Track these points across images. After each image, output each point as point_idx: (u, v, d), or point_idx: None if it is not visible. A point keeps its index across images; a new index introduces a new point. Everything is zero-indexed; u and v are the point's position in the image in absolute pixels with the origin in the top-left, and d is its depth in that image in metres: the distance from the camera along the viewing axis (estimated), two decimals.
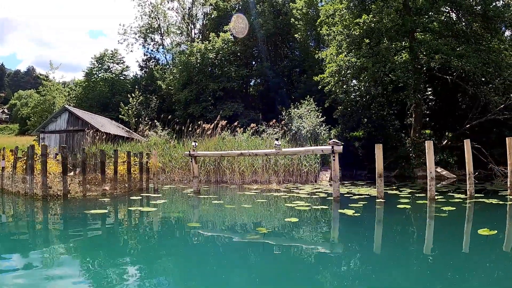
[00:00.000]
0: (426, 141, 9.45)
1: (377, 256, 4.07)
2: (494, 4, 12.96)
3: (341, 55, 15.14)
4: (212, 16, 30.14)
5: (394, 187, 12.01)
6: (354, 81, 16.65)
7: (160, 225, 5.56)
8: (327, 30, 15.67)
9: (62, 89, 29.79)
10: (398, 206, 7.64)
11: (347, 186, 12.72)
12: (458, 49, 13.85)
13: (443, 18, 14.13)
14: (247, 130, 18.16)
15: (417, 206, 7.85)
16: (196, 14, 31.61)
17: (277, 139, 9.43)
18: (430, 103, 17.93)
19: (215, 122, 17.39)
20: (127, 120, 24.80)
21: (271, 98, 27.36)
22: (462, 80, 15.21)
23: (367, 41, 13.85)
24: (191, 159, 10.67)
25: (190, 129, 17.51)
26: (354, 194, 9.91)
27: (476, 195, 9.16)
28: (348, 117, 18.77)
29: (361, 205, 7.69)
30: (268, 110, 26.88)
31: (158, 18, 31.11)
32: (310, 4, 23.67)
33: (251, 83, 28.19)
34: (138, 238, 4.71)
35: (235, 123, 17.86)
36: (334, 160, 8.79)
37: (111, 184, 10.31)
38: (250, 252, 4.06)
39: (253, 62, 28.48)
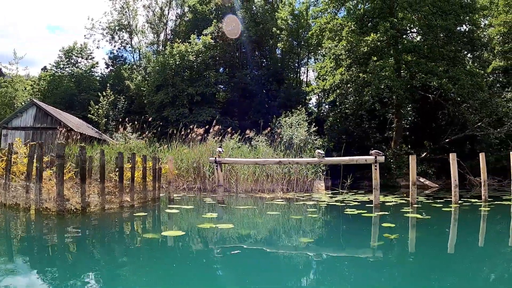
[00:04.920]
0: (450, 154, 10.13)
1: None
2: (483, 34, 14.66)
3: (340, 68, 15.65)
4: (186, 18, 29.12)
5: (404, 195, 12.70)
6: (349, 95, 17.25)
7: (278, 245, 4.79)
8: (329, 43, 16.12)
9: (25, 82, 26.04)
10: (443, 209, 8.36)
11: (355, 194, 13.01)
12: (439, 70, 15.26)
13: (430, 41, 15.45)
14: (234, 137, 17.75)
15: (455, 209, 8.40)
16: (168, 15, 30.34)
17: (318, 148, 9.33)
18: (410, 118, 19.39)
19: (210, 126, 16.70)
20: (96, 120, 22.56)
21: (247, 105, 27.16)
22: (442, 98, 16.77)
23: (375, 58, 14.57)
24: (216, 166, 10.02)
25: (181, 132, 16.52)
26: (383, 202, 10.19)
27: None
28: (335, 129, 19.43)
29: (409, 210, 8.04)
30: (244, 117, 26.65)
31: (129, 15, 29.15)
32: (294, 15, 24.17)
33: (228, 89, 27.71)
34: (286, 269, 3.75)
35: (229, 129, 17.32)
36: (376, 169, 8.99)
37: (130, 194, 9.19)
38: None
39: (230, 68, 28.05)
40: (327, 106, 26.68)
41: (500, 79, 19.26)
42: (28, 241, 4.77)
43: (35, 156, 7.89)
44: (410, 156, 9.93)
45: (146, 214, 7.36)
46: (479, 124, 15.90)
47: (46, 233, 5.31)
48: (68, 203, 7.48)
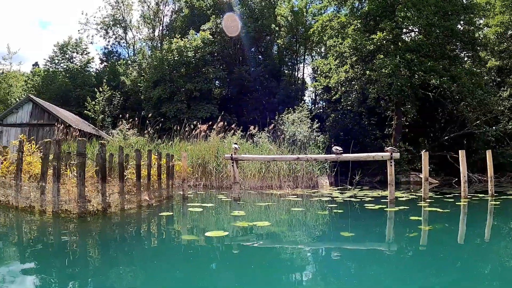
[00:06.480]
0: (459, 151, 10.41)
1: None
2: (478, 34, 15.09)
3: (345, 66, 15.81)
4: (182, 13, 28.76)
5: (411, 191, 13.07)
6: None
7: (328, 241, 4.94)
8: (334, 42, 16.25)
9: (19, 77, 25.17)
10: (456, 203, 8.75)
11: (362, 190, 13.22)
12: (440, 68, 15.61)
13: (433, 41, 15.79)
14: (236, 133, 17.73)
15: (467, 203, 8.79)
16: (164, 10, 29.90)
17: (336, 145, 9.45)
18: (409, 116, 19.78)
19: (213, 123, 16.64)
20: (92, 116, 22.12)
21: (245, 102, 27.15)
22: (441, 96, 17.20)
23: (382, 56, 14.76)
24: (232, 163, 9.99)
25: (185, 129, 16.42)
26: (395, 197, 10.39)
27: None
28: (336, 125, 19.66)
29: (427, 204, 8.38)
30: (242, 114, 26.62)
31: (123, 10, 28.60)
32: (294, 12, 24.21)
33: (225, 86, 27.60)
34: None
35: (233, 125, 17.30)
36: (391, 165, 9.18)
37: (147, 193, 9.08)
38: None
39: (228, 65, 27.92)
40: (323, 103, 26.96)
41: (493, 78, 19.88)
42: (64, 249, 4.12)
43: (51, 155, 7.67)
44: (422, 153, 10.23)
45: (172, 213, 7.29)
46: (477, 122, 16.39)
47: (79, 239, 4.73)
48: (89, 204, 7.29)
